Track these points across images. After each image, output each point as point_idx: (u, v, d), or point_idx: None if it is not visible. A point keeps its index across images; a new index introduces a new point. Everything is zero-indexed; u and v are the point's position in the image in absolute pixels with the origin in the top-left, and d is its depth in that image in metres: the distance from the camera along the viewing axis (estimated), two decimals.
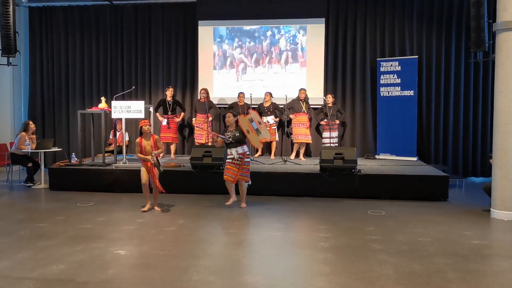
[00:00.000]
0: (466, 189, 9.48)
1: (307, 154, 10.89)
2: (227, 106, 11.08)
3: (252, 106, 10.43)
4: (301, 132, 10.30)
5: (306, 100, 10.41)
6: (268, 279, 4.48)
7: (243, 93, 10.75)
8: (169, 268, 4.72)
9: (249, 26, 11.44)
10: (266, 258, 5.14)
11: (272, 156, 10.71)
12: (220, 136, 7.63)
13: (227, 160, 7.61)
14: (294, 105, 10.40)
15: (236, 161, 7.45)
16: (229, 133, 7.56)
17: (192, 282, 4.36)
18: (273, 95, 10.68)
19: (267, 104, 10.56)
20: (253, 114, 7.83)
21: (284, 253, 5.35)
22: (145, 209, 7.32)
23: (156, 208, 7.38)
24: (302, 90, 10.45)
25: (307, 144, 10.80)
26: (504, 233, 6.31)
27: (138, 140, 7.25)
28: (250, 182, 7.70)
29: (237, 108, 10.58)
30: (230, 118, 7.60)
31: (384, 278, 4.48)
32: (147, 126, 7.21)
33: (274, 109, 10.63)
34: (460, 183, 9.73)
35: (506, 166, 6.86)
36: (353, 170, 8.40)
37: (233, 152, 7.46)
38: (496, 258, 5.21)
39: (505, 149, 6.86)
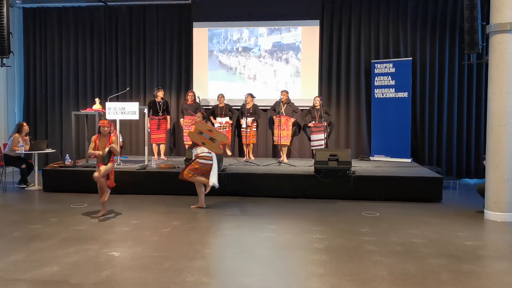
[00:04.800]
0: (460, 191, 9.52)
1: (287, 155, 10.72)
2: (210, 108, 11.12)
3: (235, 107, 10.65)
4: (276, 134, 10.35)
5: (287, 102, 10.41)
6: (263, 281, 4.48)
7: (222, 94, 10.81)
8: (163, 270, 4.71)
9: (244, 28, 11.44)
10: (261, 260, 5.13)
11: (251, 157, 10.68)
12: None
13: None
14: (276, 107, 10.43)
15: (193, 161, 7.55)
16: None
17: (186, 284, 4.36)
18: (254, 96, 10.70)
19: (248, 106, 10.57)
20: (199, 125, 7.52)
21: (278, 254, 5.35)
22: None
23: (102, 211, 7.15)
24: (283, 92, 10.46)
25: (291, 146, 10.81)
26: (498, 234, 6.34)
27: (94, 137, 7.26)
28: (216, 186, 7.51)
29: (217, 110, 10.71)
30: (198, 118, 7.68)
31: (378, 279, 4.49)
32: (106, 128, 7.12)
33: (255, 110, 10.65)
34: (454, 185, 9.76)
35: (499, 167, 6.89)
36: (347, 172, 8.41)
37: (193, 151, 7.67)
38: (490, 259, 5.23)
39: (499, 151, 6.89)
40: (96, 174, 7.01)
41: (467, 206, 7.89)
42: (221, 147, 7.60)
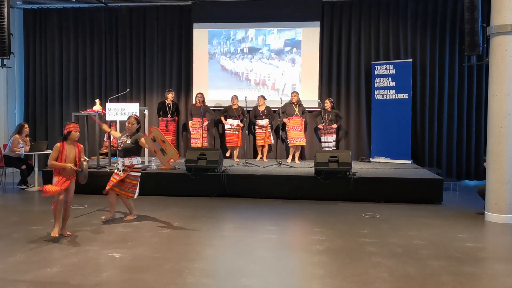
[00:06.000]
0: (460, 192, 9.51)
1: (302, 157, 10.89)
2: (222, 109, 11.10)
3: (247, 109, 10.41)
4: (296, 135, 10.31)
5: (299, 103, 10.41)
6: (263, 282, 4.47)
7: (236, 96, 10.75)
8: (164, 271, 4.70)
9: (244, 29, 11.44)
10: (261, 261, 5.13)
11: (265, 159, 10.72)
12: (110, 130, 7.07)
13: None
14: (287, 109, 10.40)
15: (119, 172, 6.67)
16: (122, 137, 6.80)
17: (186, 285, 4.35)
18: (266, 98, 10.69)
19: (261, 108, 10.56)
20: (156, 132, 6.58)
21: (279, 255, 5.35)
22: (56, 234, 5.86)
23: (67, 232, 6.05)
24: (294, 93, 10.48)
25: (302, 147, 10.78)
26: (498, 236, 6.33)
27: (58, 145, 5.93)
28: (135, 197, 6.87)
29: (231, 111, 10.62)
30: (131, 124, 6.77)
31: (379, 280, 4.49)
32: (78, 133, 6.04)
33: (269, 112, 10.64)
34: (454, 186, 9.76)
35: (500, 169, 6.88)
36: (347, 173, 8.41)
37: (119, 162, 6.73)
38: (490, 261, 5.23)
39: (499, 152, 6.89)
40: (62, 197, 5.88)
41: (467, 208, 7.88)
42: (169, 162, 6.65)
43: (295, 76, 11.30)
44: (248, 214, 7.38)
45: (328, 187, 8.38)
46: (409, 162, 10.34)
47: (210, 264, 4.99)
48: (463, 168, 10.80)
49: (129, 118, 6.87)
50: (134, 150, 6.71)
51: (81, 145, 6.18)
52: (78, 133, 6.07)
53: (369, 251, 5.42)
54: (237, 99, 10.71)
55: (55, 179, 5.88)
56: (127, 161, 6.66)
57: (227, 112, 10.74)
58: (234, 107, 10.67)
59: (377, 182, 8.43)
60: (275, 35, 11.37)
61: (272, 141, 10.82)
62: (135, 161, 6.72)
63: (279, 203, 8.15)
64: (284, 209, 7.76)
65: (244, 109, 10.48)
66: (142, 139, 6.67)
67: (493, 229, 6.65)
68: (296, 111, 10.31)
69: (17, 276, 4.55)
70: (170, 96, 10.64)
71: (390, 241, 5.84)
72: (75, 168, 5.93)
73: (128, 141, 6.69)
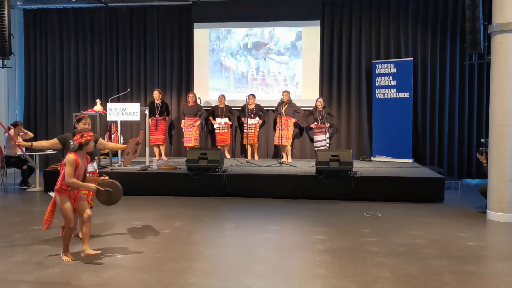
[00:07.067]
0: (462, 191, 9.50)
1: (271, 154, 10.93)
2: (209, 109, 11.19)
3: (235, 108, 10.72)
4: (277, 134, 10.40)
5: (288, 102, 10.42)
6: (265, 282, 4.47)
7: (223, 95, 10.86)
8: (165, 271, 4.70)
9: (244, 29, 11.43)
10: (262, 261, 5.12)
11: (256, 157, 10.81)
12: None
13: None
14: (278, 108, 10.49)
15: None
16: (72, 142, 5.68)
17: (188, 285, 4.35)
18: (256, 97, 10.74)
19: (251, 107, 10.57)
20: (142, 137, 7.31)
21: (281, 255, 5.34)
22: (70, 258, 5.07)
23: (91, 251, 5.04)
24: (284, 92, 10.50)
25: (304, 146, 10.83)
26: (500, 235, 6.32)
27: (73, 157, 4.95)
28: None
29: (218, 110, 10.76)
30: (89, 125, 6.04)
31: (381, 280, 4.48)
32: (94, 143, 5.28)
33: (258, 110, 10.66)
34: (455, 185, 9.74)
35: (502, 168, 6.86)
36: (349, 172, 8.40)
37: (91, 166, 6.07)
38: (492, 260, 5.22)
39: (501, 151, 6.87)
40: (89, 212, 5.12)
41: (469, 207, 7.87)
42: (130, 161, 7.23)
43: (295, 75, 11.27)
44: (249, 214, 7.38)
45: (329, 187, 8.37)
46: (411, 161, 10.33)
47: (212, 264, 4.98)
48: (465, 167, 10.80)
49: (85, 118, 6.04)
50: (94, 152, 6.27)
51: (88, 156, 5.34)
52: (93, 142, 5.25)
53: (371, 251, 5.41)
54: (224, 98, 10.82)
55: (61, 200, 5.02)
56: (90, 167, 5.82)
57: (215, 111, 10.85)
58: (221, 106, 10.76)
59: (379, 181, 8.42)
60: (275, 34, 11.33)
61: (256, 141, 10.84)
62: (96, 165, 6.39)
63: (280, 203, 8.14)
64: (285, 208, 7.75)
65: (232, 108, 10.79)
66: (101, 139, 6.29)
67: (495, 228, 6.64)
68: (283, 110, 10.33)
69: (18, 277, 4.55)
70: (155, 96, 10.66)
71: (392, 240, 5.84)
72: (103, 189, 5.16)
73: None
